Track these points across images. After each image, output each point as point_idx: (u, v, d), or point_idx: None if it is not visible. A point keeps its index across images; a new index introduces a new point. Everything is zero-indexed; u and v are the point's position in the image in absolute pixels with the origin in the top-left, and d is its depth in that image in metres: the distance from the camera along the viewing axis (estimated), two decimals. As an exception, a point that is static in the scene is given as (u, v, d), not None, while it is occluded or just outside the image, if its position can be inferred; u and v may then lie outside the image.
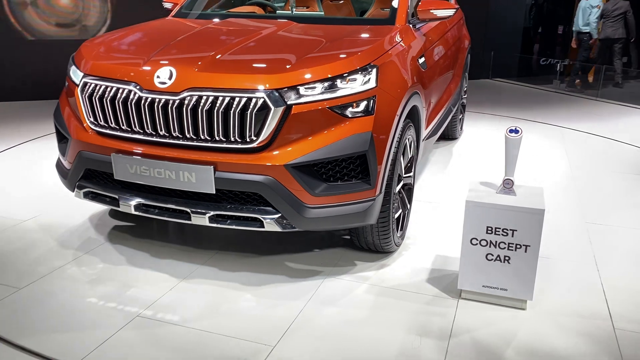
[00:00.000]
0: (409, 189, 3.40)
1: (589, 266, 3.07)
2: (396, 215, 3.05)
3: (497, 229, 2.54)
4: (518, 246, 2.53)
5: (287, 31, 3.22)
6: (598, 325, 2.52)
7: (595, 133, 6.13)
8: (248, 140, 2.54)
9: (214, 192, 2.59)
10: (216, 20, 3.66)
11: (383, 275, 2.92)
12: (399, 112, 2.84)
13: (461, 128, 5.97)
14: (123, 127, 2.73)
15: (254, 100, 2.50)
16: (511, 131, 2.59)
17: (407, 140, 3.10)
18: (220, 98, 2.52)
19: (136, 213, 2.81)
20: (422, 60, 3.47)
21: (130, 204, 2.79)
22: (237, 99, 2.50)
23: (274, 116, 2.50)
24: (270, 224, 2.61)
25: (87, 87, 2.80)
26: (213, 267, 2.95)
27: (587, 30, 8.97)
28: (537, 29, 12.09)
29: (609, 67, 8.72)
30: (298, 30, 3.28)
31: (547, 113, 7.11)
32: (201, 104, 2.53)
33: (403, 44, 3.16)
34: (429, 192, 4.13)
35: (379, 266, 3.02)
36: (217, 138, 2.56)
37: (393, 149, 2.84)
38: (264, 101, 2.49)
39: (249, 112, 2.49)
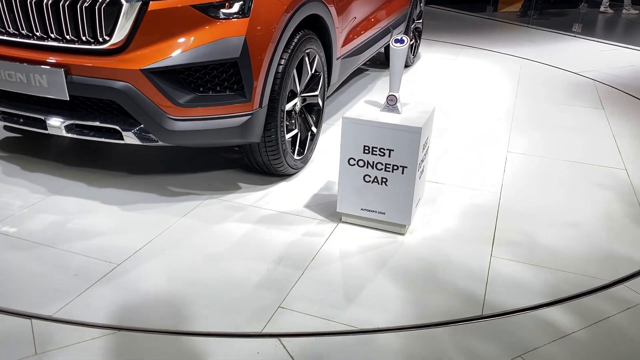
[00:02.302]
0: (317, 111, 3.17)
1: (491, 195, 2.91)
2: (289, 135, 2.83)
3: (374, 149, 2.34)
4: (395, 167, 2.34)
5: None
6: (476, 252, 2.38)
7: (540, 61, 5.98)
8: (101, 40, 2.27)
9: (68, 99, 2.35)
10: None
11: (269, 199, 2.74)
12: (285, 18, 2.56)
13: (414, 54, 5.66)
14: (-28, 24, 2.45)
15: (104, -7, 2.21)
16: (397, 41, 2.33)
17: (304, 53, 2.83)
18: (68, -10, 2.23)
19: (-5, 121, 2.58)
20: (334, -34, 3.14)
21: (-13, 112, 2.55)
22: (85, -8, 2.22)
23: (128, 13, 2.23)
24: (129, 137, 2.39)
25: None
26: (85, 184, 2.76)
27: None
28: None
29: None
30: None
31: (490, 40, 7.03)
32: (46, -3, 2.24)
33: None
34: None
35: (268, 190, 2.83)
36: (67, 37, 2.30)
37: (278, 60, 2.58)
38: (115, -5, 2.21)
39: (97, 7, 2.21)
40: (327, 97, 3.43)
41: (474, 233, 2.53)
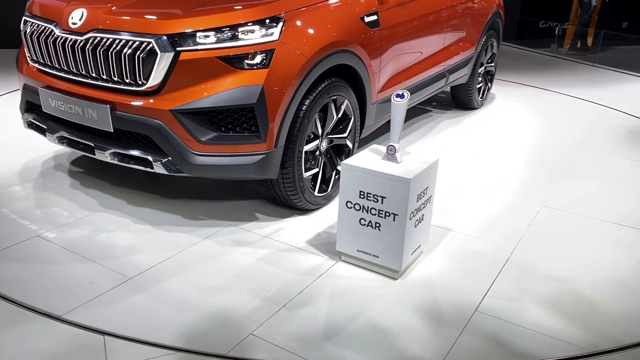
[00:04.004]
0: (348, 152, 3.35)
1: (505, 247, 2.90)
2: (308, 173, 3.03)
3: (369, 195, 2.47)
4: (387, 214, 2.45)
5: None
6: (462, 304, 2.40)
7: (607, 105, 5.71)
8: (140, 83, 2.65)
9: (112, 131, 2.75)
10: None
11: (283, 232, 2.94)
12: (306, 69, 2.79)
13: (483, 98, 5.65)
14: (49, 64, 2.95)
15: (144, 44, 2.58)
16: (397, 95, 2.47)
17: (330, 99, 3.04)
18: (117, 40, 2.63)
19: (60, 145, 3.05)
20: (371, 18, 3.33)
21: (54, 136, 3.03)
22: (130, 42, 2.61)
23: (163, 61, 2.58)
24: (158, 167, 2.73)
25: (26, 24, 3.04)
26: (126, 202, 3.14)
27: None
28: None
29: (607, 32, 8.47)
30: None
31: (560, 81, 6.98)
32: (100, 45, 2.66)
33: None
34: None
35: (285, 223, 3.04)
36: (114, 79, 2.70)
37: (297, 105, 2.81)
38: (152, 46, 2.57)
39: (137, 55, 2.59)
40: (359, 139, 3.57)
41: (470, 285, 2.55)
